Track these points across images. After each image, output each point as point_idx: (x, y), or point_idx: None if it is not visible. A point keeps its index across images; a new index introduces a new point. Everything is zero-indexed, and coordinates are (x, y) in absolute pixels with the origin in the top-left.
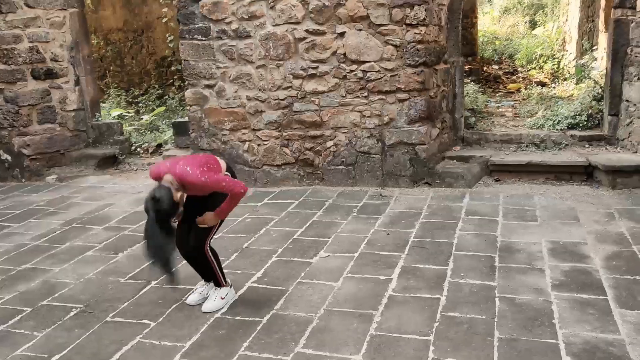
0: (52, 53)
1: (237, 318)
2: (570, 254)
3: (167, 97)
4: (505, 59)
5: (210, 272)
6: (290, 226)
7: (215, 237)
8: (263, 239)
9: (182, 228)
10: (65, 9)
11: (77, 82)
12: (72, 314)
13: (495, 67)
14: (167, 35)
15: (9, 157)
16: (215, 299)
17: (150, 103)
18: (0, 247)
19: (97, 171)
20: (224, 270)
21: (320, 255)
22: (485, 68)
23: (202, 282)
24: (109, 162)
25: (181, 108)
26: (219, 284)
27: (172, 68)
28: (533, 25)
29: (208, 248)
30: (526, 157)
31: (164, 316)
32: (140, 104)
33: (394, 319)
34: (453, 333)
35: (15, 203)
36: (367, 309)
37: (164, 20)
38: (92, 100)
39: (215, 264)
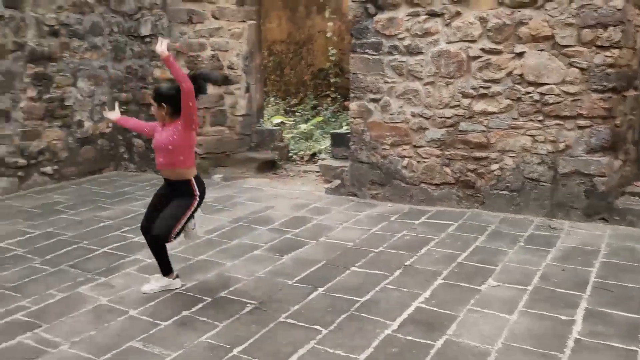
0: (229, 61)
1: (409, 338)
2: None
3: (321, 108)
4: None
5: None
6: (452, 249)
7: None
8: (425, 258)
9: (152, 207)
10: (244, 21)
11: (247, 89)
12: (247, 309)
13: None
14: (329, 48)
15: None
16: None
17: (305, 113)
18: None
19: (257, 174)
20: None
21: (490, 284)
22: None
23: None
24: (267, 166)
25: (334, 119)
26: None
27: (331, 80)
28: None
29: (173, 238)
30: None
31: (335, 324)
32: (297, 113)
33: None
34: None
35: None
36: (551, 350)
37: (328, 34)
38: (258, 107)
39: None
